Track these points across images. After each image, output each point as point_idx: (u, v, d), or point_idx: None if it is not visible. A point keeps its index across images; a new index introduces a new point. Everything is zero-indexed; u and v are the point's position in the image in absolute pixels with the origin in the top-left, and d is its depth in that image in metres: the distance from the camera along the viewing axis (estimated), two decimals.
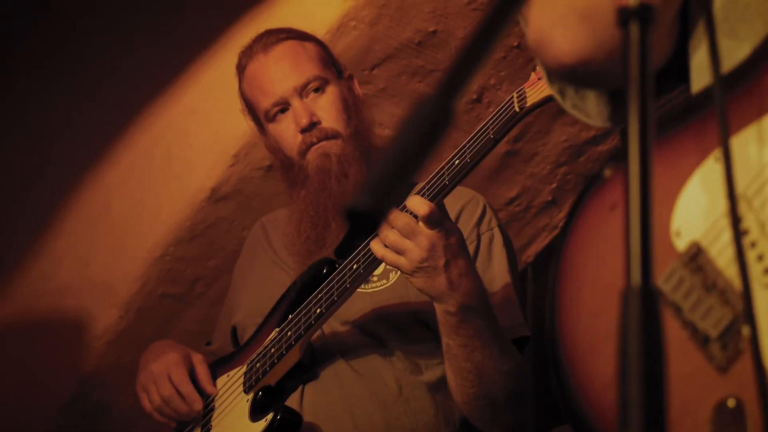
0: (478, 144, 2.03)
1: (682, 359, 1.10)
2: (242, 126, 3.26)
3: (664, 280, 1.15)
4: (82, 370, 3.44)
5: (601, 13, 1.23)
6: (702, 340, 1.11)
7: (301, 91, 2.40)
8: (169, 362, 2.39)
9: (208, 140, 3.32)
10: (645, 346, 0.90)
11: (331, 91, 2.43)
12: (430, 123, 0.95)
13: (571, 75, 1.31)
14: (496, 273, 2.32)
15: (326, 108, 2.40)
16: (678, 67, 1.39)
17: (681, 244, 1.15)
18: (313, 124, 2.38)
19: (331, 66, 2.47)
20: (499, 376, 2.13)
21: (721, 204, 1.11)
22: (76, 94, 3.53)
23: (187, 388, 2.35)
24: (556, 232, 4.13)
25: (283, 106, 2.41)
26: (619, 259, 0.95)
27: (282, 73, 2.41)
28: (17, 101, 3.61)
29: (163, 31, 3.40)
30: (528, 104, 2.00)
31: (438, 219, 1.98)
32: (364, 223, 0.91)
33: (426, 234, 1.97)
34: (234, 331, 2.56)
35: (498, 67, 3.43)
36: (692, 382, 1.10)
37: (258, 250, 2.63)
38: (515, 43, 3.38)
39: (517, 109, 2.01)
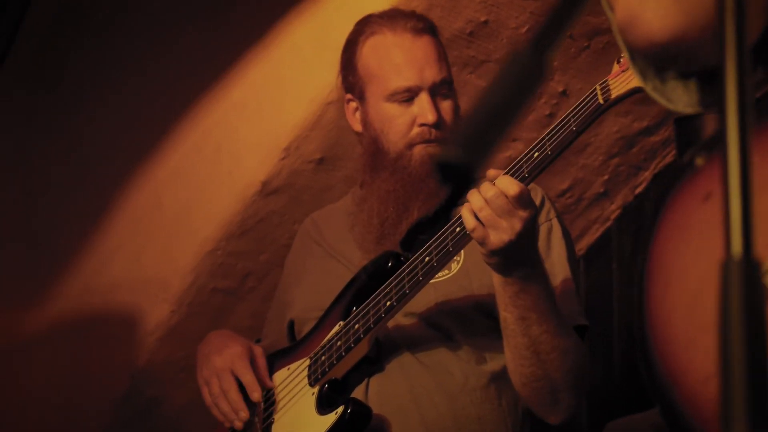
0: (559, 136, 2.00)
1: None
2: (293, 119, 3.26)
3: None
4: (135, 366, 3.44)
5: None
6: None
7: (435, 88, 2.37)
8: (234, 355, 2.38)
9: (259, 134, 3.30)
10: (747, 318, 0.87)
11: (453, 100, 2.42)
12: (523, 77, 0.92)
13: (662, 54, 1.28)
14: (555, 264, 2.31)
15: (448, 113, 2.39)
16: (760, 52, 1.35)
17: None
18: (437, 123, 2.36)
19: (451, 73, 2.46)
20: (557, 354, 2.11)
21: None
22: (126, 91, 3.53)
23: (248, 378, 2.34)
24: (609, 224, 4.08)
25: (413, 94, 2.37)
26: (713, 250, 0.91)
27: (426, 63, 2.37)
28: (67, 99, 3.62)
29: (212, 26, 3.39)
30: (612, 96, 1.96)
31: (528, 200, 1.98)
32: (455, 176, 0.89)
33: (520, 217, 1.97)
34: (291, 326, 2.54)
35: None
36: None
37: (311, 245, 2.61)
38: (568, 33, 3.33)
39: (601, 102, 1.97)
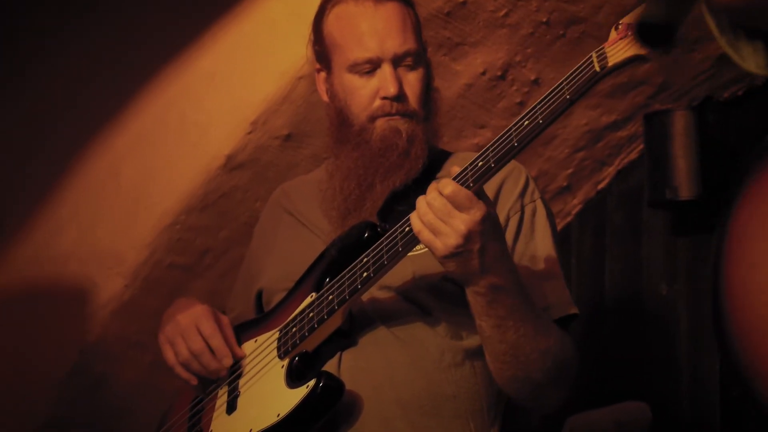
0: (551, 105, 1.92)
1: None
2: (262, 92, 3.17)
3: None
4: (85, 340, 3.32)
5: None
6: None
7: (398, 60, 2.29)
8: (198, 314, 2.28)
9: (226, 106, 3.20)
10: None
11: (420, 71, 2.33)
12: None
13: (743, 11, 1.21)
14: (539, 246, 2.25)
15: (413, 85, 2.31)
16: None
17: None
18: (398, 96, 2.28)
19: (422, 43, 2.37)
20: (537, 355, 2.07)
21: None
22: (87, 56, 3.41)
23: (218, 342, 2.25)
24: (569, 219, 4.05)
25: (375, 65, 2.30)
26: None
27: (387, 33, 2.29)
28: (24, 62, 3.49)
29: None
30: (610, 64, 1.88)
31: (468, 200, 1.92)
32: (656, 35, 0.83)
33: (462, 219, 1.92)
34: (258, 297, 2.45)
35: (525, 43, 3.35)
36: None
37: (282, 214, 2.53)
38: (544, 19, 3.29)
39: (597, 69, 1.89)
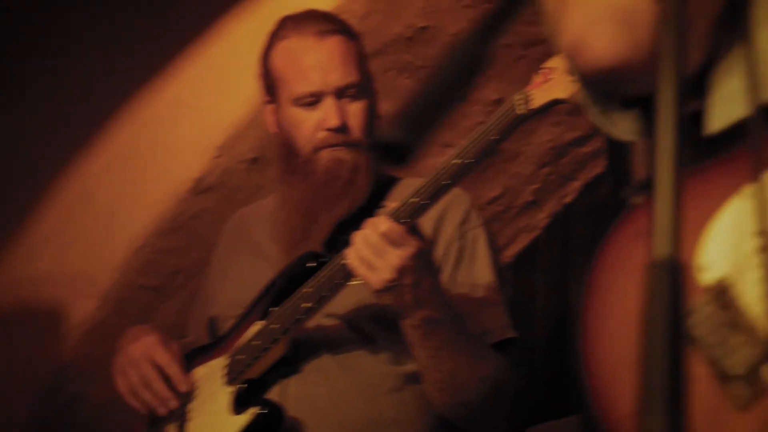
0: (480, 145, 2.02)
1: (705, 396, 1.09)
2: (228, 117, 3.26)
3: (688, 315, 1.11)
4: (58, 361, 3.40)
5: (640, 15, 1.21)
6: (726, 378, 1.09)
7: (340, 92, 2.36)
8: (149, 344, 2.36)
9: (194, 131, 3.29)
10: (671, 320, 0.89)
11: (364, 101, 2.39)
12: (463, 66, 0.95)
13: (607, 79, 1.29)
14: (479, 273, 2.32)
15: (356, 116, 2.37)
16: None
17: (706, 279, 1.12)
18: (341, 128, 2.35)
19: (366, 74, 2.44)
20: (474, 382, 2.16)
21: (750, 241, 1.09)
22: (60, 83, 3.49)
23: (174, 370, 2.33)
24: (537, 233, 4.12)
25: (318, 98, 2.37)
26: (637, 289, 0.93)
27: (330, 67, 2.36)
28: (1, 90, 3.57)
29: (151, 20, 3.37)
30: (531, 108, 1.97)
31: (402, 237, 2.00)
32: (394, 155, 0.91)
33: (396, 254, 2.00)
34: (211, 323, 2.52)
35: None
36: (714, 419, 1.08)
37: (237, 242, 2.60)
38: (504, 42, 3.37)
39: (519, 113, 1.98)
